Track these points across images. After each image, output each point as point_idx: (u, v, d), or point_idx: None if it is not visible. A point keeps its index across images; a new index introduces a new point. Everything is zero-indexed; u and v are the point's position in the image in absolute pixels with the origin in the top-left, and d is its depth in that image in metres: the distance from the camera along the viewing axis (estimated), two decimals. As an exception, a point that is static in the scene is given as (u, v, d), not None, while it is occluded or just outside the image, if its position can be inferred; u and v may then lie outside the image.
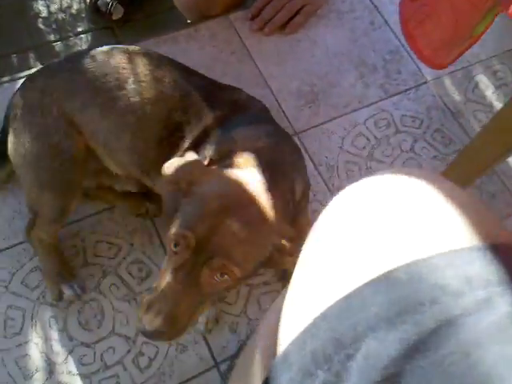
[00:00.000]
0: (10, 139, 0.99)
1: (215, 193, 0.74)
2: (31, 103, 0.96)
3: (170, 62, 1.00)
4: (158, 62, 0.98)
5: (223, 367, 1.02)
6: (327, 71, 1.42)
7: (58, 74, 0.97)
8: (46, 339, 1.02)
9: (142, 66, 0.95)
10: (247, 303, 1.09)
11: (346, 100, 1.38)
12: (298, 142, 1.29)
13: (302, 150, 1.28)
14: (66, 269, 1.07)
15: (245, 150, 0.83)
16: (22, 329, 1.03)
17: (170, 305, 0.69)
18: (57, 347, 1.02)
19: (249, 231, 0.70)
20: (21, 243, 1.11)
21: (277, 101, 1.36)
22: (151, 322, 0.69)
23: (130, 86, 0.92)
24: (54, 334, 1.03)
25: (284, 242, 0.73)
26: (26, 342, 1.02)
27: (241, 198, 0.73)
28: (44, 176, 0.97)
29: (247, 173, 0.79)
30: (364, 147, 1.31)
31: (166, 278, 0.71)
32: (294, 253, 0.73)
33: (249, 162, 0.81)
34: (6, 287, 1.07)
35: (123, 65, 0.94)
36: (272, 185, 0.78)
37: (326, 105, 1.37)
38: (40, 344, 1.02)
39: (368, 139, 1.32)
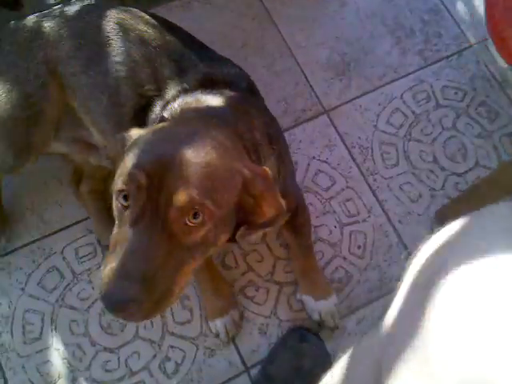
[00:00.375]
0: None
1: (156, 132, 0.64)
2: (20, 42, 0.89)
3: (168, 27, 0.89)
4: (156, 27, 0.87)
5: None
6: (359, 36, 1.27)
7: (54, 19, 0.89)
8: (68, 344, 0.98)
9: (135, 28, 0.86)
10: (277, 304, 1.02)
11: (380, 70, 1.24)
12: (329, 122, 1.17)
13: (333, 130, 1.17)
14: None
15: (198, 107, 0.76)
16: (41, 334, 0.98)
17: (142, 263, 0.54)
18: (79, 353, 0.97)
19: (206, 155, 0.59)
20: (34, 241, 1.04)
21: (303, 73, 1.22)
22: (123, 288, 0.53)
23: (117, 45, 0.85)
24: (76, 339, 0.98)
25: (251, 174, 0.62)
26: (47, 348, 0.97)
27: (188, 132, 0.63)
28: (6, 125, 0.89)
29: (189, 118, 0.72)
30: (401, 125, 1.18)
31: (126, 238, 0.56)
32: (265, 192, 0.63)
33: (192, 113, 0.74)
34: (23, 289, 1.01)
35: (118, 23, 0.86)
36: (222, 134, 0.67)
37: (359, 76, 1.23)
38: (61, 350, 0.97)
39: (405, 115, 1.20)
